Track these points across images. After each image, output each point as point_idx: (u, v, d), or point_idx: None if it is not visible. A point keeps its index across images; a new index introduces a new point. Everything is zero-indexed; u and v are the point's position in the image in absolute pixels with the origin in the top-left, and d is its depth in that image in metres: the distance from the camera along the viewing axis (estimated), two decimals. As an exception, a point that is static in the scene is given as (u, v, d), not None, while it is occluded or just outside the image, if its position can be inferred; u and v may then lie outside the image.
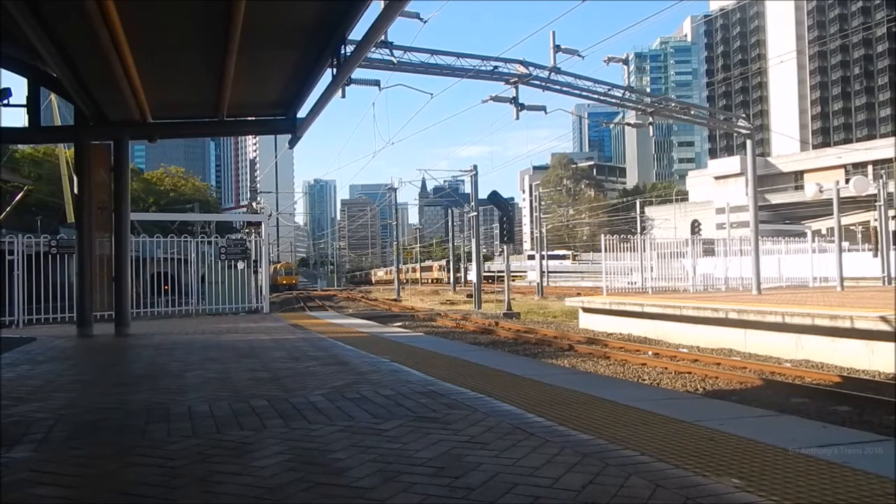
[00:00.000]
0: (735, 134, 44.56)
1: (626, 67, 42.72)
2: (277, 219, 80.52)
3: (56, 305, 13.75)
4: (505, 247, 28.48)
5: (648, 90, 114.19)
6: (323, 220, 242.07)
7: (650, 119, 20.91)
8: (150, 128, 11.06)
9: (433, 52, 16.82)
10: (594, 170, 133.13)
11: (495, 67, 17.74)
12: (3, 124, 10.46)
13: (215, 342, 8.99)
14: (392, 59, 16.06)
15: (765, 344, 12.27)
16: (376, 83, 17.27)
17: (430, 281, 75.93)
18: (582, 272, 57.39)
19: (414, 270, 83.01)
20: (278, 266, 71.34)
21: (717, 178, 79.47)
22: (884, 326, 9.88)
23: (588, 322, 18.36)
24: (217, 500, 2.58)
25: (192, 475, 2.88)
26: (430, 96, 19.46)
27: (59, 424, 3.94)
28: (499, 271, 50.89)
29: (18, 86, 10.17)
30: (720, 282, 22.64)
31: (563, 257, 68.51)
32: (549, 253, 63.82)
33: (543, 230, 46.14)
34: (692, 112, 22.98)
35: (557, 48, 17.82)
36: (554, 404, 4.57)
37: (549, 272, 47.26)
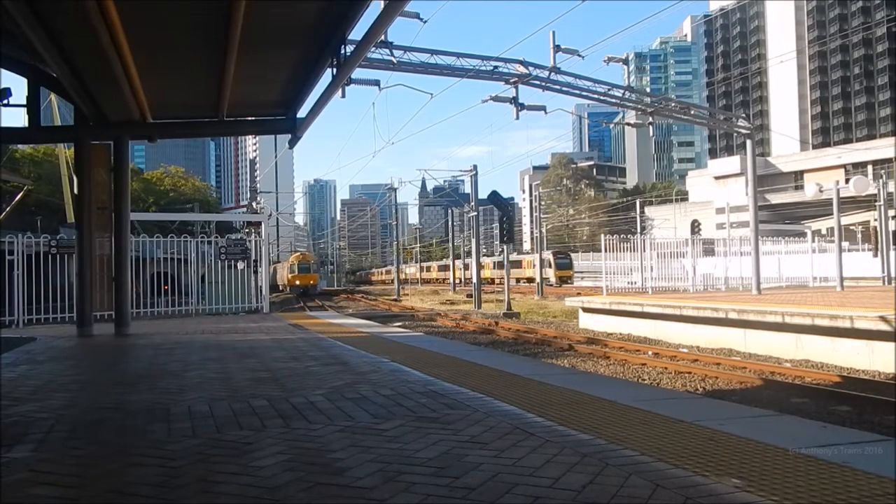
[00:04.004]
0: (735, 134, 44.63)
1: (626, 67, 42.74)
2: (277, 219, 77.91)
3: (56, 305, 13.75)
4: (505, 247, 28.48)
5: (648, 90, 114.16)
6: (323, 220, 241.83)
7: (650, 119, 20.90)
8: (150, 128, 11.07)
9: (433, 52, 16.81)
10: (594, 170, 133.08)
11: (495, 67, 17.73)
12: (3, 124, 10.46)
13: (215, 342, 8.99)
14: (392, 59, 16.05)
15: (765, 344, 12.27)
16: (376, 83, 17.26)
17: (434, 281, 74.57)
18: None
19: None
20: (291, 260, 54.03)
21: (717, 178, 79.49)
22: (884, 326, 9.88)
23: (588, 322, 18.36)
24: (217, 500, 2.58)
25: (192, 475, 2.88)
26: (430, 96, 19.49)
27: (59, 424, 3.94)
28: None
29: (18, 86, 10.19)
30: (720, 282, 22.64)
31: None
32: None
33: (543, 230, 46.12)
34: (692, 112, 22.97)
35: (557, 48, 17.82)
36: (554, 404, 4.57)
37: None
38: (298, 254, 58.79)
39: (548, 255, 54.20)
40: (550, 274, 51.35)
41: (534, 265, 53.18)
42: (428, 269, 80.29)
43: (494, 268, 62.66)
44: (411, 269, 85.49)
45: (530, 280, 54.83)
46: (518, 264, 59.99)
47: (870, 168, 64.84)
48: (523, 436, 3.46)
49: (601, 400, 4.75)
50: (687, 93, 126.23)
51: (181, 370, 6.20)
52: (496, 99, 19.03)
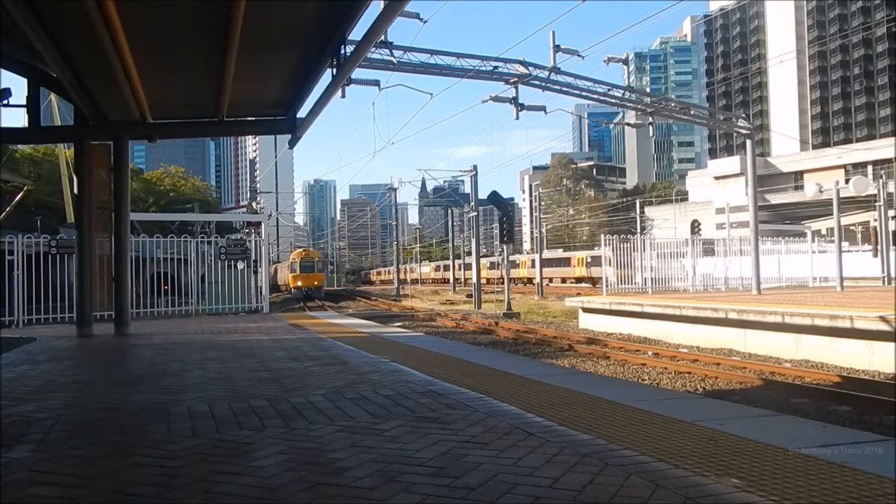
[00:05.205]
0: (735, 134, 44.59)
1: (625, 67, 42.75)
2: (277, 219, 76.54)
3: (56, 305, 13.75)
4: (504, 247, 28.48)
5: (648, 90, 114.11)
6: (323, 220, 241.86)
7: (650, 119, 20.92)
8: (150, 128, 11.06)
9: (433, 53, 16.82)
10: (594, 170, 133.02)
11: (495, 67, 17.74)
12: (3, 124, 10.44)
13: (215, 342, 8.99)
14: (392, 59, 16.06)
15: (765, 344, 12.27)
16: (376, 83, 17.28)
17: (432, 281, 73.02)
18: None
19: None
20: (292, 258, 48.01)
21: (716, 178, 79.43)
22: (884, 326, 9.88)
23: (588, 322, 18.36)
24: (217, 500, 2.58)
25: (191, 475, 2.88)
26: (429, 96, 19.50)
27: (58, 424, 3.94)
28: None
29: (18, 86, 10.18)
30: (720, 282, 22.63)
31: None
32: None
33: (543, 230, 46.05)
34: (692, 112, 22.97)
35: (557, 48, 17.82)
36: (554, 404, 4.57)
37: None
38: (300, 250, 51.54)
39: (608, 251, 50.79)
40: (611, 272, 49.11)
41: (585, 262, 49.71)
42: (445, 268, 73.86)
43: (532, 266, 55.28)
44: (424, 269, 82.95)
45: (579, 280, 49.51)
46: (566, 262, 54.99)
47: (870, 168, 64.79)
48: (523, 436, 3.46)
49: (601, 400, 4.75)
50: (687, 93, 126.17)
51: (181, 370, 6.19)
52: (496, 99, 19.03)
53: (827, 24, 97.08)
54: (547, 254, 60.02)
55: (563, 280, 54.24)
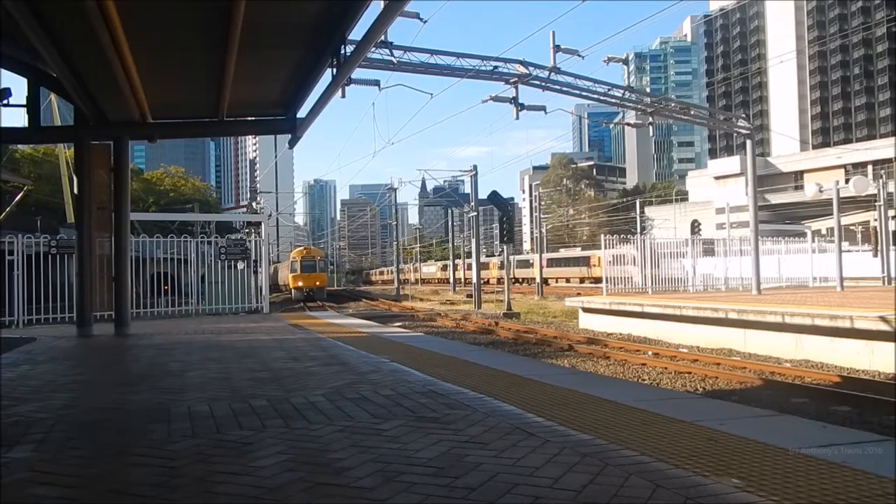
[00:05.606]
0: (735, 134, 44.52)
1: (625, 67, 42.71)
2: (277, 219, 76.00)
3: (56, 305, 13.74)
4: (505, 247, 28.49)
5: (648, 90, 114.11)
6: (323, 220, 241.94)
7: (650, 119, 20.90)
8: (150, 128, 11.07)
9: (433, 52, 16.82)
10: (594, 170, 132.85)
11: (495, 67, 17.74)
12: (3, 124, 10.44)
13: (215, 342, 8.99)
14: (392, 59, 16.06)
15: (765, 344, 12.26)
16: (376, 83, 17.27)
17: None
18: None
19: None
20: (293, 256, 45.41)
21: (716, 178, 79.49)
22: (884, 326, 9.87)
23: (588, 322, 18.35)
24: (217, 500, 2.58)
25: (192, 475, 2.88)
26: (429, 96, 19.49)
27: (59, 424, 3.94)
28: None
29: (18, 86, 10.18)
30: (720, 282, 22.63)
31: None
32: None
33: (543, 230, 46.00)
34: (692, 112, 22.97)
35: (557, 48, 17.82)
36: (554, 404, 4.57)
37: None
38: (301, 248, 49.07)
39: (633, 250, 47.53)
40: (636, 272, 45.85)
41: (442, 269, 45.99)
42: (444, 267, 71.16)
43: (548, 265, 48.74)
44: (431, 269, 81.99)
45: (598, 280, 43.06)
46: (585, 261, 49.69)
47: (870, 168, 64.81)
48: (523, 436, 3.46)
49: (601, 400, 4.75)
50: (687, 93, 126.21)
51: (181, 370, 6.19)
52: (496, 99, 19.03)
53: (827, 24, 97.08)
54: (563, 252, 58.18)
55: (582, 280, 50.26)
